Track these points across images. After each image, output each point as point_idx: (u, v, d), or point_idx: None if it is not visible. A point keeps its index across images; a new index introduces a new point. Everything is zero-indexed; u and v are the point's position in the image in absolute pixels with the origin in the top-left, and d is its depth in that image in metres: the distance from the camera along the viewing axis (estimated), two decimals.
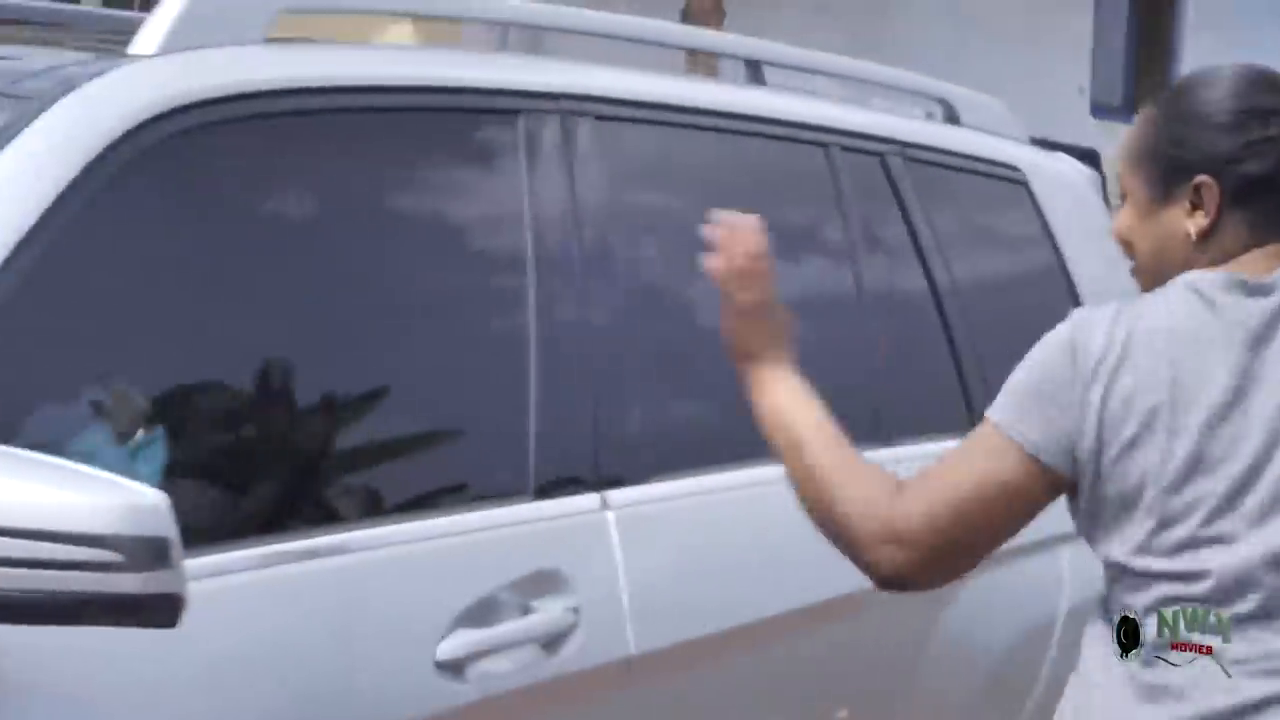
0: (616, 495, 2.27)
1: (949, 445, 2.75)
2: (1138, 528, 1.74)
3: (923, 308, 2.87)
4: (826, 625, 2.51)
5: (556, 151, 2.35)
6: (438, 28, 8.47)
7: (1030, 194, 3.18)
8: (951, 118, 3.24)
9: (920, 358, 2.86)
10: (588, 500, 2.25)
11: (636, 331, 2.41)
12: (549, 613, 2.13)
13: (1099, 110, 11.49)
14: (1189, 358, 1.74)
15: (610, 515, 2.25)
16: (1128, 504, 1.74)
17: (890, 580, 1.81)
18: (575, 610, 2.15)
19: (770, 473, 2.46)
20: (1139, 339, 1.75)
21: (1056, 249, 3.17)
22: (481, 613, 2.06)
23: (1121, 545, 1.76)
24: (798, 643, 2.47)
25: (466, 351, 2.23)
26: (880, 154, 2.89)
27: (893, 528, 1.77)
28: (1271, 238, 1.81)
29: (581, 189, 2.35)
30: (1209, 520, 1.73)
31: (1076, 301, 3.15)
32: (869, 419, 2.69)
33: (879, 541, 1.78)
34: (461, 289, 2.26)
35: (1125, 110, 12.02)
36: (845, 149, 2.81)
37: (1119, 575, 1.78)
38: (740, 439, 2.49)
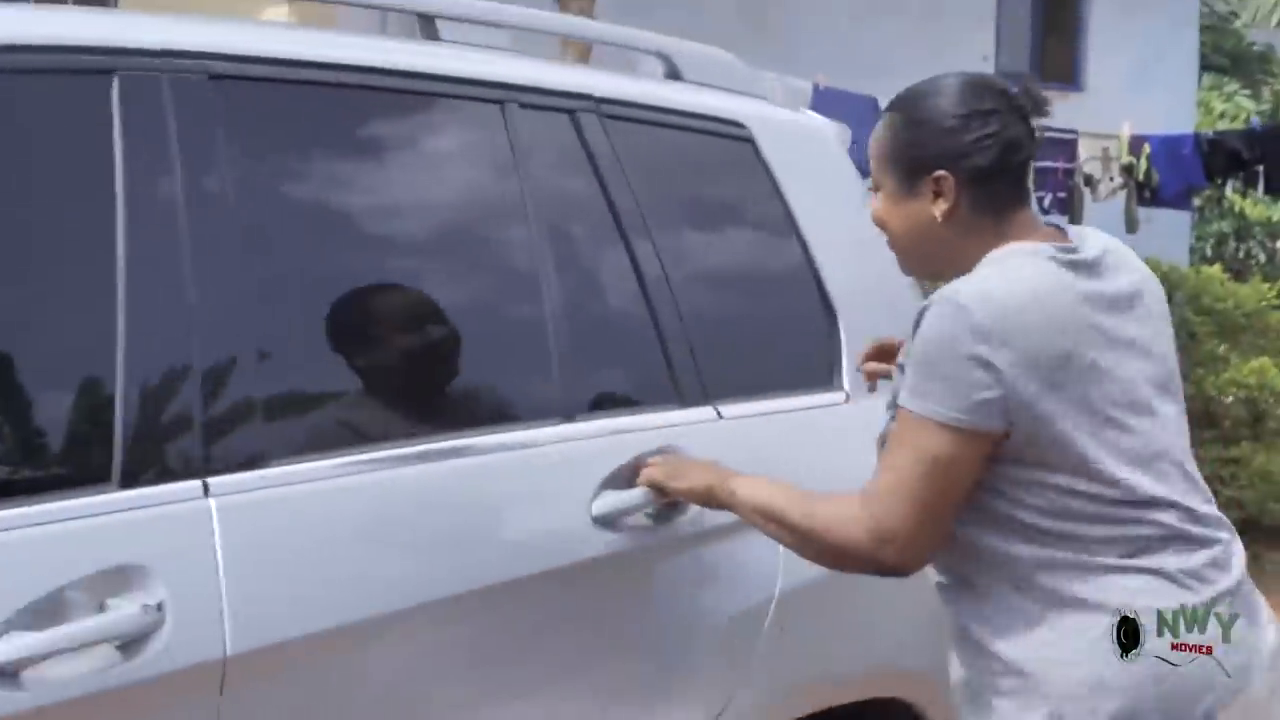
0: (222, 482, 2.10)
1: (651, 418, 2.62)
2: (1083, 457, 2.06)
3: (619, 274, 2.67)
4: (467, 619, 2.29)
5: (159, 115, 2.16)
6: (313, 9, 8.30)
7: (756, 150, 2.99)
8: (673, 73, 3.06)
9: (615, 329, 2.66)
10: (186, 488, 2.07)
11: (254, 310, 2.19)
12: (125, 611, 1.95)
13: (1004, 78, 11.32)
14: (1073, 306, 2.08)
15: (213, 503, 2.07)
16: (1066, 441, 2.05)
17: (893, 569, 2.17)
18: (159, 608, 1.98)
19: (404, 452, 2.30)
20: (1023, 300, 2.05)
21: (786, 207, 2.98)
22: (42, 613, 1.88)
23: (1073, 475, 2.05)
24: (434, 638, 2.26)
25: (38, 329, 2.05)
26: (570, 110, 2.69)
27: (881, 530, 2.12)
28: (1011, 209, 2.21)
29: (187, 155, 2.17)
30: (1145, 447, 2.09)
31: (808, 257, 2.98)
32: (556, 397, 2.53)
33: (875, 544, 2.13)
34: (36, 255, 2.06)
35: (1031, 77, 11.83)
36: (524, 106, 2.61)
37: (1069, 506, 2.07)
38: (368, 421, 2.34)
